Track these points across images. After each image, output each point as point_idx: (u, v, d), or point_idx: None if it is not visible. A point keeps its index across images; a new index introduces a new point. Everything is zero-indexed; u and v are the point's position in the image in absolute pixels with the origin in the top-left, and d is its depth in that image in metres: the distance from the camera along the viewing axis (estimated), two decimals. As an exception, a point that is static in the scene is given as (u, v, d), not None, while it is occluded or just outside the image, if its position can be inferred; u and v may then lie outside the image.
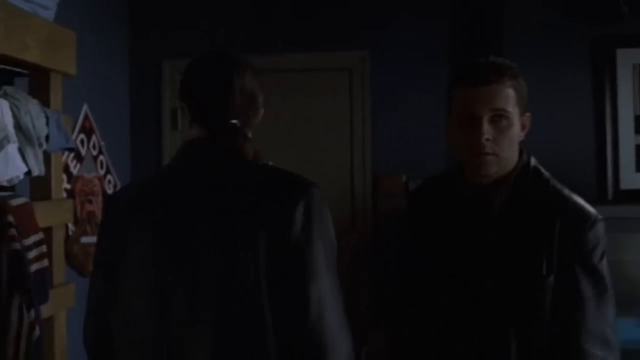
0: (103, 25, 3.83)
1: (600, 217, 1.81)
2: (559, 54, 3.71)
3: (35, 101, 2.40)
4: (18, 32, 2.27)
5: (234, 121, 1.68)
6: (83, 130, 3.48)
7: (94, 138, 3.58)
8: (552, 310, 1.76)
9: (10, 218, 2.14)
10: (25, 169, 2.24)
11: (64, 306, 2.58)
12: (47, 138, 2.38)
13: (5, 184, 2.22)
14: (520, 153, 1.87)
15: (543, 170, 1.87)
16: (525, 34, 3.74)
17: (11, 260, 2.11)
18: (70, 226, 3.31)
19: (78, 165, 3.42)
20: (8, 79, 2.56)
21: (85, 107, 3.49)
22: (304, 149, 4.00)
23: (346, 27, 4.05)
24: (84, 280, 3.25)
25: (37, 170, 2.30)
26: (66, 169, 3.29)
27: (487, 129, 1.74)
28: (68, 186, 3.30)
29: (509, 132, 1.77)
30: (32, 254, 2.25)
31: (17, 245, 2.13)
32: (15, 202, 2.22)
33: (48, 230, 2.51)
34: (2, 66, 2.38)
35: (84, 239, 3.39)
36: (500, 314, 1.78)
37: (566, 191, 1.84)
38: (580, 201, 1.83)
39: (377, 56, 4.02)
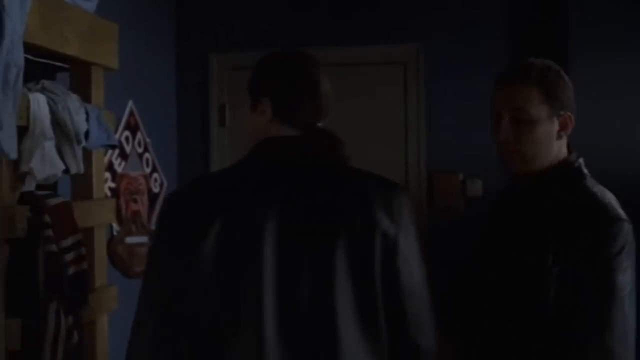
0: (148, 18, 3.74)
1: (624, 218, 1.73)
2: (629, 45, 3.46)
3: (75, 96, 2.30)
4: (57, 24, 2.18)
5: (320, 124, 1.67)
6: (128, 127, 3.39)
7: (139, 135, 3.49)
8: (555, 311, 1.72)
9: (47, 218, 2.05)
10: (62, 167, 2.14)
11: (106, 310, 2.49)
12: (87, 134, 2.28)
13: (42, 182, 2.12)
14: (569, 151, 1.88)
15: (584, 170, 1.86)
16: (591, 25, 3.51)
17: (47, 263, 2.02)
18: (115, 226, 3.22)
19: (123, 163, 3.33)
20: (50, 73, 2.48)
21: (130, 103, 3.40)
22: (356, 144, 3.72)
23: (400, 19, 3.90)
24: (128, 282, 3.18)
25: (76, 168, 2.20)
26: (110, 167, 3.21)
27: (505, 127, 1.80)
28: (112, 185, 3.22)
29: (532, 130, 1.79)
30: (70, 256, 2.16)
31: (53, 247, 2.04)
32: (53, 201, 2.12)
33: (89, 231, 2.43)
34: (41, 60, 2.29)
35: (129, 239, 3.30)
36: (501, 312, 1.78)
37: (596, 189, 1.80)
38: (607, 201, 1.76)
39: (432, 48, 3.87)
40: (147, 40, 3.69)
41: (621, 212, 1.74)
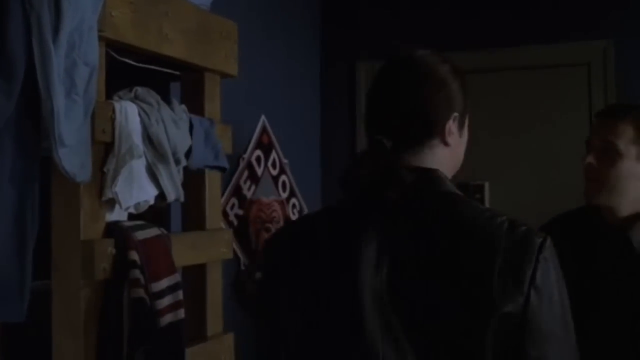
0: (289, 25, 3.38)
1: None
2: None
3: (182, 107, 1.93)
4: (153, 19, 1.84)
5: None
6: (259, 145, 3.00)
7: (273, 155, 3.09)
8: None
9: (134, 256, 1.68)
10: (155, 193, 1.76)
11: (221, 363, 2.10)
12: (190, 152, 1.89)
13: (132, 211, 1.74)
14: None
15: None
16: None
17: (133, 311, 1.64)
18: (243, 260, 2.82)
19: (253, 187, 2.94)
20: (161, 82, 2.12)
21: (262, 119, 3.01)
22: (532, 162, 3.39)
23: (583, 11, 3.34)
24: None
25: (174, 193, 1.80)
26: (237, 192, 2.83)
27: (593, 155, 1.94)
28: (240, 212, 2.82)
29: (617, 164, 1.90)
30: (165, 302, 1.76)
31: (140, 292, 1.65)
32: (143, 234, 1.73)
33: (201, 268, 2.09)
34: (143, 65, 1.94)
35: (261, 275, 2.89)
36: None
37: None
38: None
39: (623, 46, 3.28)
40: (286, 49, 3.31)
41: None
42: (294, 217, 3.21)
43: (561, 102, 3.39)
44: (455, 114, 1.37)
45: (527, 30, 3.41)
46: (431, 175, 1.33)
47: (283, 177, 3.15)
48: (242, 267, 2.82)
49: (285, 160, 3.17)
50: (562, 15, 3.36)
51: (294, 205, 3.23)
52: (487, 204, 3.44)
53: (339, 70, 3.65)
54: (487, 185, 3.44)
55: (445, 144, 1.36)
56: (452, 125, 1.36)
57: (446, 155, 1.38)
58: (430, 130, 1.35)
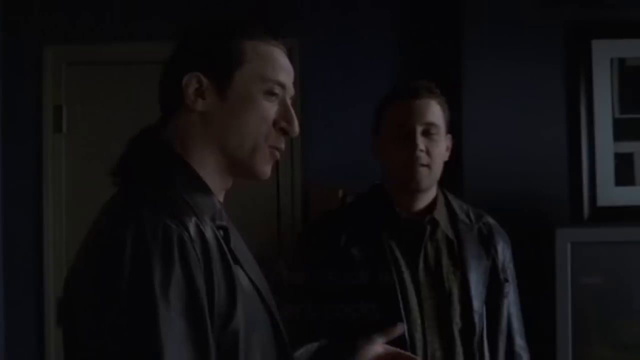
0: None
1: None
2: (526, 46, 3.09)
3: None
4: None
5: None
6: None
7: None
8: None
9: None
10: None
11: None
12: None
13: None
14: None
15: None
16: (487, 18, 3.11)
17: None
18: None
19: None
20: None
21: None
22: None
23: (270, 11, 3.40)
24: None
25: None
26: None
27: (421, 140, 1.88)
28: None
29: (439, 144, 1.92)
30: None
31: None
32: None
33: None
34: None
35: None
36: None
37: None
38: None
39: (308, 46, 3.41)
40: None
41: None
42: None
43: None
44: (196, 72, 1.21)
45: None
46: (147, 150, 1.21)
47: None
48: None
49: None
50: (248, 11, 3.31)
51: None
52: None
53: (24, 52, 3.41)
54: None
55: (189, 108, 1.21)
56: (192, 85, 1.21)
57: (192, 122, 1.22)
58: (170, 93, 1.22)
